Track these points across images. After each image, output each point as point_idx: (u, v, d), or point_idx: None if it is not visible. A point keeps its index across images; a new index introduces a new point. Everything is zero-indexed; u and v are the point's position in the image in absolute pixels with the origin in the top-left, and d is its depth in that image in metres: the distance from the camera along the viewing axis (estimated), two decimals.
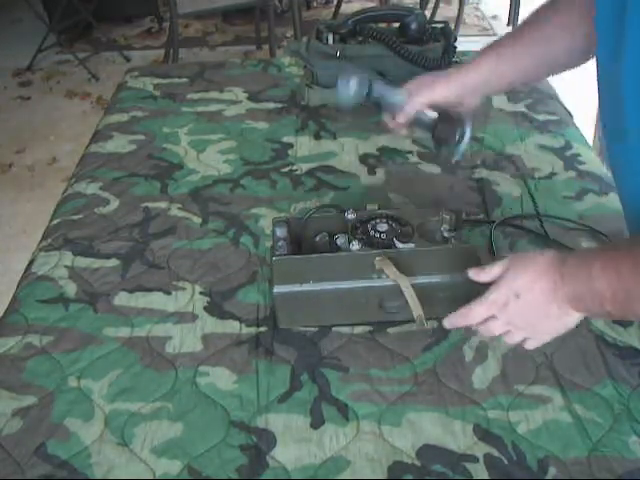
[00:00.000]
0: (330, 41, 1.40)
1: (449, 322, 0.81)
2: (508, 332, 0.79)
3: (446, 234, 0.88)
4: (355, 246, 0.85)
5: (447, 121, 0.92)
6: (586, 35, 0.87)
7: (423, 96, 0.93)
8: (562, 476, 0.73)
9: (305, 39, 1.45)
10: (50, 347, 0.90)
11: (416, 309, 0.84)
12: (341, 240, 0.88)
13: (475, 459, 0.74)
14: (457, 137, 0.91)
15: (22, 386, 0.85)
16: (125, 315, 0.95)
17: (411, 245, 0.87)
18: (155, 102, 1.49)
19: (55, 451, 0.77)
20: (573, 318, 0.75)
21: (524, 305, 0.75)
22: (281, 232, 0.89)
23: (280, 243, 0.87)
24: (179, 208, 1.15)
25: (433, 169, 1.23)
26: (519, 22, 0.97)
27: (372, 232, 0.88)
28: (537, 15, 0.93)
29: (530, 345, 0.81)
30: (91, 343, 0.90)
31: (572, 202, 1.13)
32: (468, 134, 0.92)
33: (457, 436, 0.77)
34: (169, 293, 0.98)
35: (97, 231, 1.11)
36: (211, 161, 1.28)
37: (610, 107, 0.81)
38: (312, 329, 0.91)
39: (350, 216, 0.90)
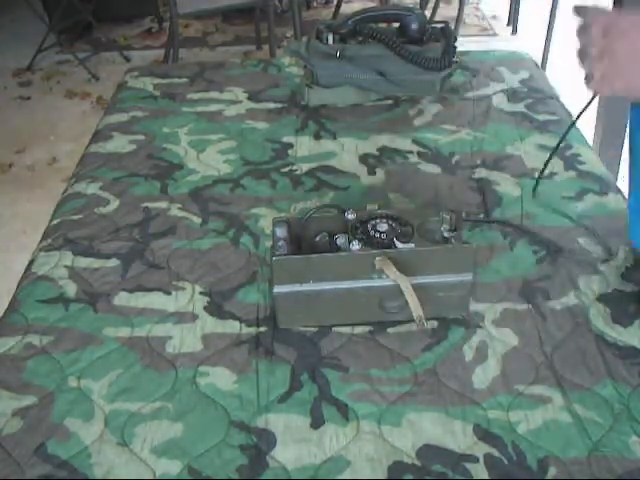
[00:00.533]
0: (330, 41, 1.40)
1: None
2: (591, 53, 0.77)
3: (446, 234, 0.88)
4: (355, 246, 0.85)
5: None
6: None
7: None
8: (562, 476, 0.72)
9: (305, 39, 1.45)
10: (50, 347, 0.90)
11: (416, 309, 0.84)
12: (341, 240, 0.88)
13: (475, 459, 0.74)
14: None
15: (22, 386, 0.85)
16: (125, 315, 0.95)
17: (411, 245, 0.87)
18: (155, 102, 1.49)
19: (55, 451, 0.77)
20: None
21: (629, 37, 0.74)
22: (281, 232, 0.88)
23: (280, 243, 0.87)
24: (179, 208, 1.15)
25: (433, 169, 1.23)
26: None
27: (372, 232, 0.88)
28: None
29: (594, 84, 0.79)
30: (91, 343, 0.90)
31: (572, 202, 1.13)
32: None
33: (457, 436, 0.77)
34: (169, 293, 0.98)
35: (97, 231, 1.11)
36: (211, 161, 1.28)
37: None
38: (312, 329, 0.91)
39: (350, 216, 0.90)
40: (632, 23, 0.76)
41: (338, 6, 3.84)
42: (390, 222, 0.90)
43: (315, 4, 4.32)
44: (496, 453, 0.75)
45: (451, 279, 0.88)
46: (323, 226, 0.91)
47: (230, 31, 4.07)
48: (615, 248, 1.02)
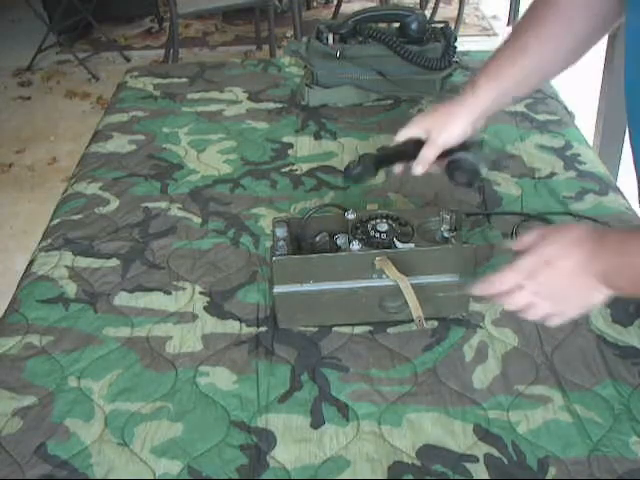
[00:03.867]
0: (330, 41, 1.41)
1: (478, 289, 0.79)
2: (532, 305, 0.77)
3: (446, 234, 0.88)
4: (355, 246, 0.85)
5: (461, 165, 0.93)
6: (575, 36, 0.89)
7: (440, 141, 0.93)
8: (562, 476, 0.72)
9: (305, 39, 1.45)
10: (50, 347, 0.90)
11: (415, 310, 0.84)
12: (341, 240, 0.88)
13: (475, 459, 0.74)
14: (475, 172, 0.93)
15: (22, 386, 0.85)
16: (125, 315, 0.95)
17: (411, 245, 0.87)
18: (155, 102, 1.49)
19: (55, 451, 0.77)
20: (600, 295, 0.74)
21: (555, 273, 0.74)
22: (281, 232, 0.88)
23: (280, 243, 0.87)
24: (179, 208, 1.15)
25: (433, 169, 1.23)
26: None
27: (372, 232, 0.88)
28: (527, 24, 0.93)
29: (553, 321, 0.79)
30: (91, 343, 0.90)
31: (572, 202, 1.13)
32: (484, 165, 0.94)
33: (457, 436, 0.77)
34: (169, 293, 0.98)
35: (97, 231, 1.11)
36: (211, 161, 1.28)
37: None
38: (312, 329, 0.91)
39: (350, 216, 0.90)
40: (557, 254, 0.74)
41: (338, 6, 3.84)
42: (390, 222, 0.90)
43: (315, 4, 4.33)
44: (496, 453, 0.75)
45: (451, 279, 0.88)
46: (323, 226, 0.91)
47: (230, 31, 4.07)
48: None
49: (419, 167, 0.95)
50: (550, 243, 0.75)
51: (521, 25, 0.94)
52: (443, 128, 0.93)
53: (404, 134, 0.96)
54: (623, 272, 0.70)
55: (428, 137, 0.94)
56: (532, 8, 0.93)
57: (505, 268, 0.77)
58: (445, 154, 0.94)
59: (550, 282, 0.74)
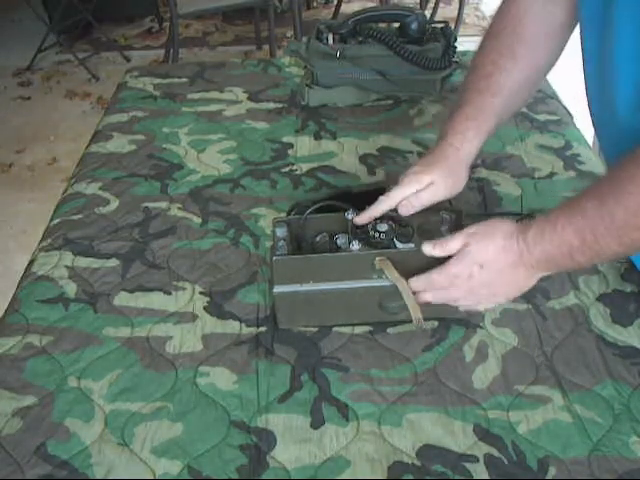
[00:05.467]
0: (330, 41, 1.41)
1: (414, 285, 0.83)
2: (467, 299, 0.83)
3: (446, 234, 0.88)
4: (355, 246, 0.85)
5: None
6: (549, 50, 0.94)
7: (444, 192, 0.91)
8: (562, 476, 0.72)
9: (305, 39, 1.45)
10: (50, 347, 0.90)
11: (415, 312, 0.84)
12: (341, 240, 0.88)
13: (475, 459, 0.74)
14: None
15: (22, 386, 0.85)
16: (125, 315, 0.95)
17: (411, 245, 0.87)
18: (155, 102, 1.49)
19: (55, 451, 0.77)
20: (532, 280, 0.81)
21: (489, 275, 0.79)
22: (281, 232, 0.89)
23: (280, 243, 0.87)
24: (179, 208, 1.15)
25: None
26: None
27: (372, 232, 0.88)
28: (498, 58, 0.94)
29: (483, 307, 0.86)
30: (91, 343, 0.90)
31: None
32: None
33: (457, 436, 0.77)
34: (169, 293, 0.98)
35: (97, 231, 1.11)
36: (211, 161, 1.28)
37: (599, 93, 0.85)
38: (312, 329, 0.91)
39: (350, 216, 0.90)
40: (489, 259, 0.79)
41: (338, 6, 3.85)
42: (390, 222, 0.90)
43: (315, 4, 4.33)
44: (496, 453, 0.75)
45: None
46: (323, 226, 0.91)
47: (230, 31, 4.08)
48: None
49: (405, 209, 0.89)
50: (479, 250, 0.79)
51: (487, 58, 0.95)
52: (449, 177, 0.91)
53: (402, 192, 0.89)
54: (556, 255, 0.74)
55: (432, 185, 0.90)
56: (493, 38, 0.96)
57: (437, 271, 0.81)
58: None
59: (485, 282, 0.80)
